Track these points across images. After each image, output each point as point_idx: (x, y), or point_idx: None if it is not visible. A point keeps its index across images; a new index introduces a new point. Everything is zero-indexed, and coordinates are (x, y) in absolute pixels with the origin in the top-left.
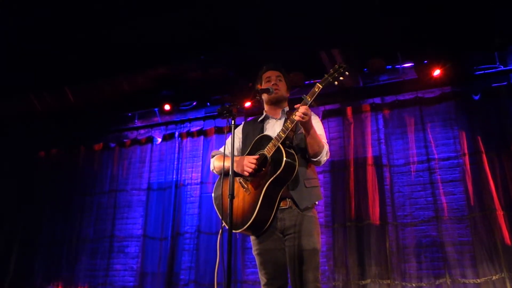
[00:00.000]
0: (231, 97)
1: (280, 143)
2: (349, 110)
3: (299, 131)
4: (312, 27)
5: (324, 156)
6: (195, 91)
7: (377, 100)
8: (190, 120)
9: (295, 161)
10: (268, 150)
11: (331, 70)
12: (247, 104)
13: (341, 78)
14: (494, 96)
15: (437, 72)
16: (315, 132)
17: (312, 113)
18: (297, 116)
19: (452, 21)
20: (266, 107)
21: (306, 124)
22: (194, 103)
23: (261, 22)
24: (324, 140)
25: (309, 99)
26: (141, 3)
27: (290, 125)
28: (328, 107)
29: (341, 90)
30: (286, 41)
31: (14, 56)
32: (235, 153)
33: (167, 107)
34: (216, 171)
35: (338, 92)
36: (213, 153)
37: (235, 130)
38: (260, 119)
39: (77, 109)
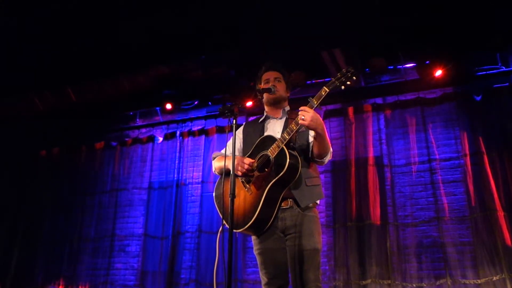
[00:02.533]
0: (233, 97)
1: (284, 145)
2: (350, 110)
3: (301, 130)
4: (314, 27)
5: (328, 157)
6: (196, 90)
7: (379, 100)
8: (191, 119)
9: (298, 162)
10: (272, 151)
11: (338, 74)
12: (249, 103)
13: (348, 82)
14: (495, 97)
15: (438, 73)
16: (325, 133)
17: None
18: (300, 120)
19: (453, 21)
20: (266, 107)
21: (313, 126)
22: (196, 103)
23: (262, 21)
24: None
25: (315, 102)
26: (142, 3)
27: (295, 127)
28: (329, 107)
29: (343, 90)
30: (288, 41)
31: (15, 55)
32: (236, 153)
33: (168, 106)
34: (217, 172)
35: (340, 92)
36: (214, 155)
37: (236, 131)
38: (261, 119)
39: (79, 108)
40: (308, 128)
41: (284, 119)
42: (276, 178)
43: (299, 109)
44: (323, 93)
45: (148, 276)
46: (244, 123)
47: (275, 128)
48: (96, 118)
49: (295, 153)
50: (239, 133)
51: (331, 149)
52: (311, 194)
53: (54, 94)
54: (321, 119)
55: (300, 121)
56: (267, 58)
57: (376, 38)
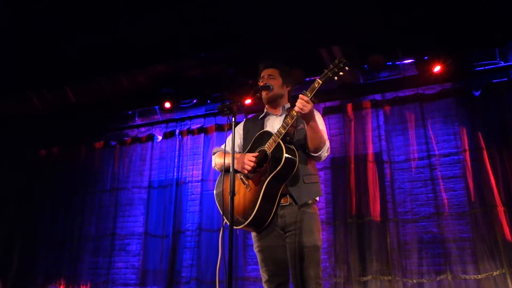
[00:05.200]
0: (231, 95)
1: (281, 139)
2: (349, 106)
3: (300, 127)
4: (312, 24)
5: (324, 152)
6: (195, 88)
7: (378, 96)
8: (190, 118)
9: (296, 157)
10: (269, 146)
11: (331, 65)
12: (248, 101)
13: (341, 73)
14: (494, 92)
15: (437, 68)
16: (317, 125)
17: (314, 109)
18: (296, 108)
19: (452, 17)
20: (266, 104)
21: (307, 116)
22: (195, 101)
23: (261, 19)
24: (325, 136)
25: (309, 94)
26: (141, 2)
27: (290, 121)
28: (328, 103)
29: (342, 87)
30: (286, 38)
31: (14, 55)
32: (237, 149)
33: (167, 104)
34: (217, 168)
35: (339, 89)
36: (214, 150)
37: (237, 127)
38: (261, 116)
39: (78, 107)
40: (302, 117)
41: (283, 116)
42: (274, 172)
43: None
44: (316, 85)
45: (149, 274)
46: (244, 119)
47: (274, 124)
48: (95, 117)
49: (292, 147)
50: (240, 129)
51: (327, 145)
52: (308, 191)
53: (52, 93)
54: (313, 112)
55: (296, 109)
56: (266, 56)
57: (374, 35)
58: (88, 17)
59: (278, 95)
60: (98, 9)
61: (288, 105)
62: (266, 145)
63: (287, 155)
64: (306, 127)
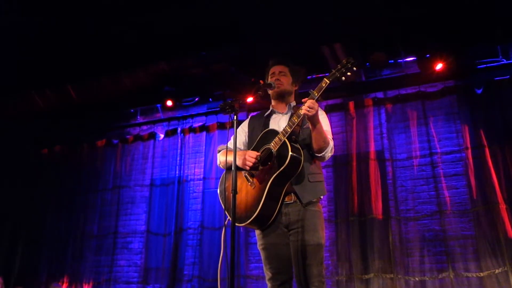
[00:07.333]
0: (233, 93)
1: (286, 138)
2: (351, 104)
3: (305, 126)
4: (314, 22)
5: (328, 152)
6: (197, 87)
7: (380, 94)
8: (192, 116)
9: (301, 155)
10: (274, 145)
11: (338, 65)
12: (249, 99)
13: (348, 73)
14: (496, 90)
15: (439, 66)
16: (321, 127)
17: (319, 108)
18: (303, 110)
19: (454, 14)
20: (272, 101)
21: (313, 119)
22: (196, 99)
23: (263, 16)
24: (329, 136)
25: (316, 94)
26: (141, 1)
27: (296, 120)
28: (330, 101)
29: (344, 85)
30: (288, 36)
31: (15, 54)
32: (242, 147)
33: (169, 103)
34: (222, 166)
35: (341, 87)
36: (219, 148)
37: (242, 125)
38: (266, 113)
39: (80, 106)
40: (308, 118)
41: (289, 114)
42: (279, 171)
43: (303, 100)
44: (324, 85)
45: (151, 272)
46: (249, 117)
47: (280, 123)
48: (97, 116)
49: (297, 145)
50: (245, 126)
51: (331, 145)
52: (313, 190)
53: (54, 92)
54: (317, 114)
55: (302, 112)
56: (268, 53)
57: (376, 32)
58: (89, 17)
59: (287, 91)
60: (99, 9)
61: (294, 103)
62: (272, 143)
63: (292, 154)
64: (311, 128)
